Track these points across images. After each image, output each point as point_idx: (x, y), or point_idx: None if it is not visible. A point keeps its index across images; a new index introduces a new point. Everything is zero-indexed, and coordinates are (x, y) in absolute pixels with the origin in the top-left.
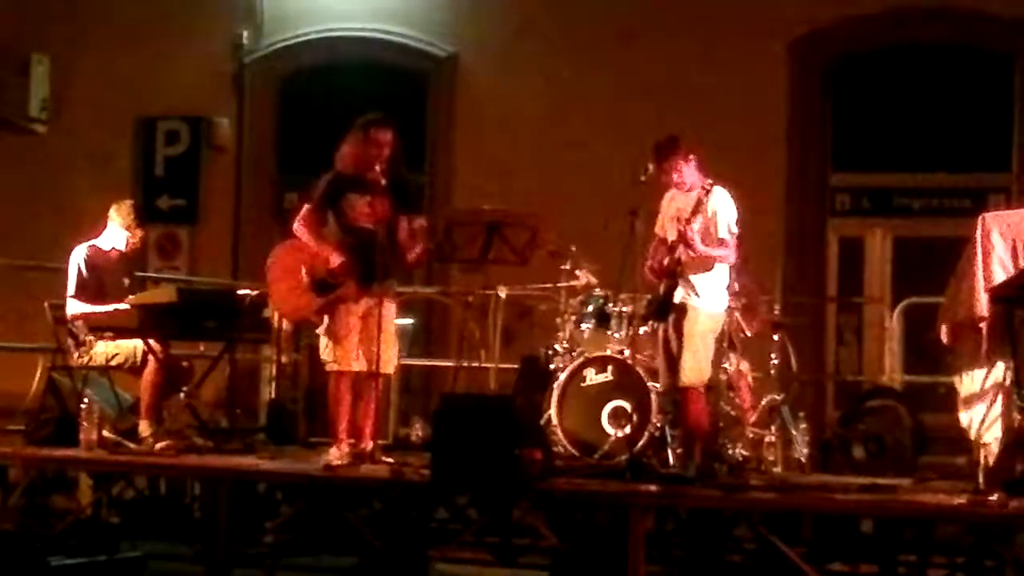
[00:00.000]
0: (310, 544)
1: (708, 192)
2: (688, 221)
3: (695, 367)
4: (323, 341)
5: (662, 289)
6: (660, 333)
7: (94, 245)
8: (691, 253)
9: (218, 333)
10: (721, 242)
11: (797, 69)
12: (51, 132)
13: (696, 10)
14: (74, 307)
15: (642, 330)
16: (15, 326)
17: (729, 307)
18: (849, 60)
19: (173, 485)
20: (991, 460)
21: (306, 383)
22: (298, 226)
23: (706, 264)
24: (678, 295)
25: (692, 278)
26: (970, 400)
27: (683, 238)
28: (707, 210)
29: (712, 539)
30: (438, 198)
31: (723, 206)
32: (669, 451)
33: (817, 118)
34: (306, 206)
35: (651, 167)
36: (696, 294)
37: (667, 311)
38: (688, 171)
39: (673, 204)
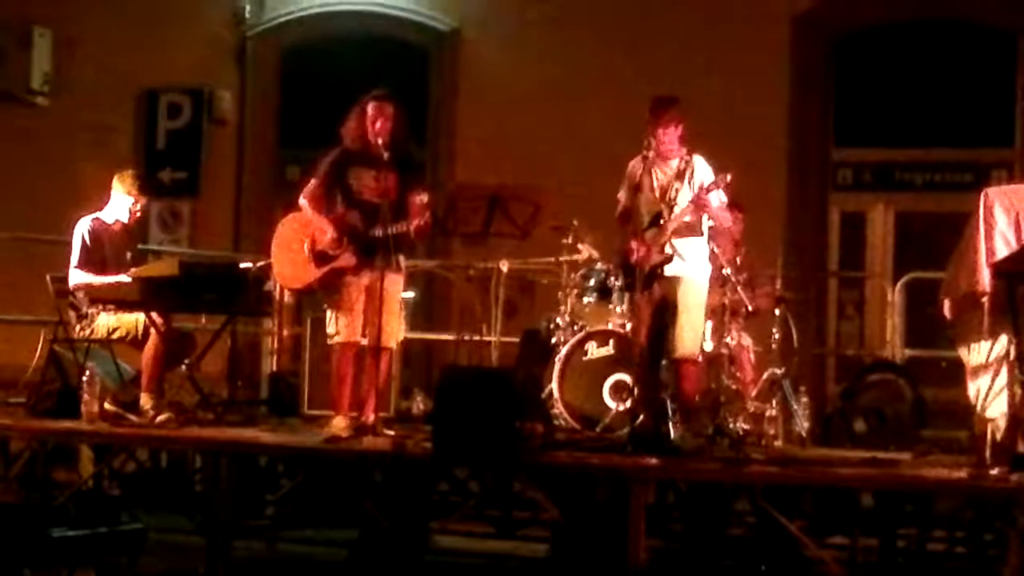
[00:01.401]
0: (311, 516)
1: (688, 161)
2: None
3: (693, 338)
4: (329, 314)
5: (643, 258)
6: (643, 303)
7: (98, 217)
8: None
9: (220, 306)
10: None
11: (800, 45)
12: (53, 105)
13: None
14: (77, 277)
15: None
16: (17, 299)
17: (731, 282)
18: (852, 36)
19: (174, 457)
20: (998, 435)
21: (307, 355)
22: (303, 199)
23: (695, 231)
24: (670, 269)
25: (681, 247)
26: (977, 372)
27: (697, 202)
28: (691, 179)
29: (712, 513)
30: (440, 172)
31: (707, 175)
32: (670, 424)
33: (819, 93)
34: (312, 181)
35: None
36: (687, 263)
37: (644, 283)
38: (674, 136)
39: (649, 173)
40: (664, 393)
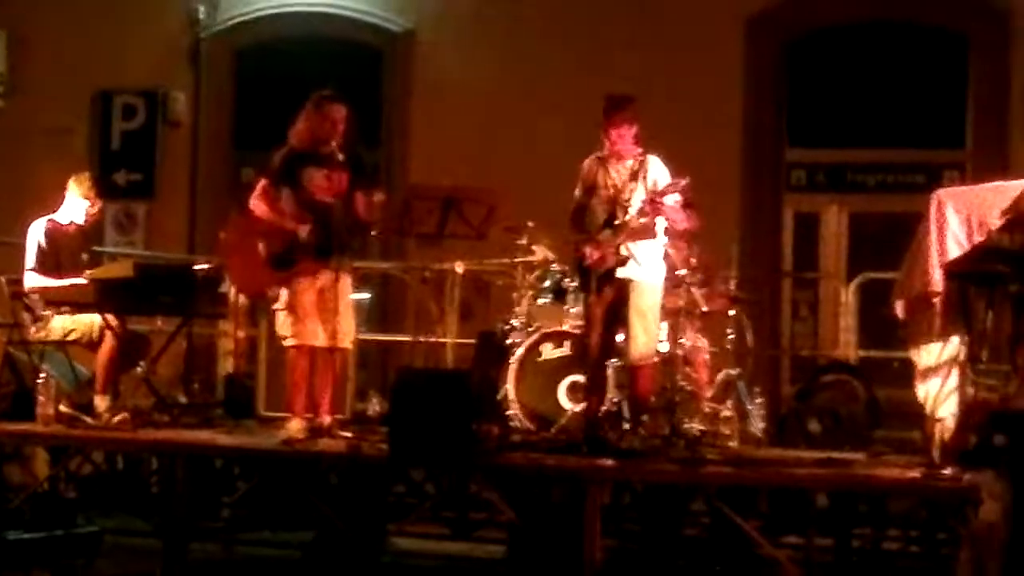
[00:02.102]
0: (267, 519)
1: (643, 161)
2: (627, 190)
3: (648, 342)
4: (280, 316)
5: (598, 261)
6: (594, 307)
7: (53, 219)
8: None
9: (175, 308)
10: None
11: (753, 45)
12: (7, 107)
13: None
14: (32, 280)
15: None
16: None
17: (686, 283)
18: (805, 37)
19: (130, 460)
20: (946, 435)
21: (263, 358)
22: (254, 201)
23: (650, 232)
24: (624, 271)
25: (635, 249)
26: (926, 374)
27: (652, 203)
28: (646, 178)
29: (668, 513)
30: (394, 174)
31: (662, 175)
32: (626, 426)
33: (773, 94)
34: (262, 181)
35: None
36: (641, 266)
37: (596, 284)
38: (628, 136)
39: (602, 173)
40: (619, 395)
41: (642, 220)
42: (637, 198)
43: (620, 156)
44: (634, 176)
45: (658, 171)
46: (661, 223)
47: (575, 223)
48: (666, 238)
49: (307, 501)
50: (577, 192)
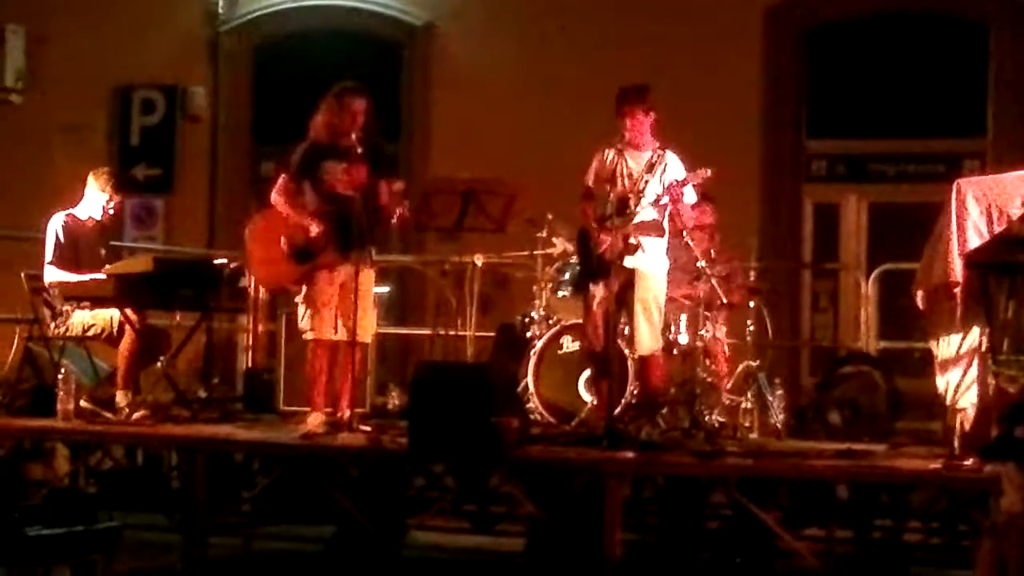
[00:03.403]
0: (287, 513)
1: (662, 155)
2: (642, 181)
3: (653, 333)
4: (301, 310)
5: (601, 249)
6: (598, 296)
7: (72, 214)
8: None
9: (194, 303)
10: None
11: (773, 37)
12: (27, 103)
13: None
14: (51, 275)
15: (561, 293)
16: None
17: (706, 275)
18: (824, 28)
19: (150, 455)
20: (967, 425)
21: (283, 352)
22: (275, 196)
23: (658, 229)
24: (630, 260)
25: (644, 240)
26: (946, 365)
27: (671, 191)
28: (663, 173)
29: (689, 506)
30: (413, 167)
31: (678, 171)
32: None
33: (793, 85)
34: (282, 175)
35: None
36: (647, 257)
37: (607, 272)
38: (645, 126)
39: (618, 162)
40: (633, 388)
41: (655, 212)
42: (651, 190)
43: (638, 147)
44: (651, 168)
45: (675, 167)
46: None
47: (584, 206)
48: (686, 230)
49: (327, 495)
50: (590, 180)
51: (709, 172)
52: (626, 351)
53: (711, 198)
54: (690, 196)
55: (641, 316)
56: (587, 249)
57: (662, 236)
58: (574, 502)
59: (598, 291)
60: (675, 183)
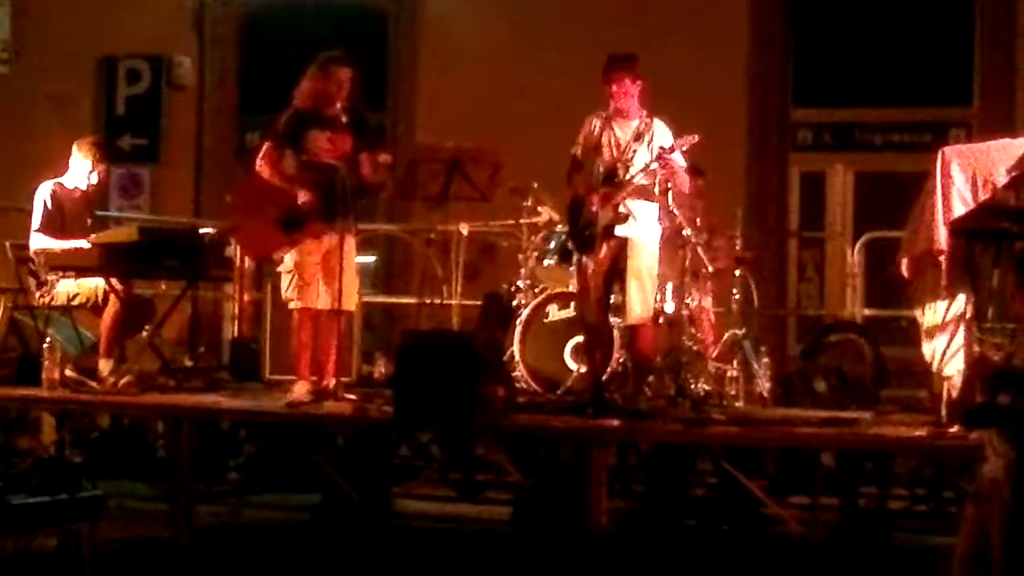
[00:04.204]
0: (273, 482)
1: (649, 123)
2: (630, 150)
3: (645, 302)
4: (285, 279)
5: (591, 217)
6: (590, 266)
7: (59, 182)
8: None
9: (180, 272)
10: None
11: (759, 5)
12: (12, 73)
13: None
14: (38, 241)
15: (546, 262)
16: None
17: (691, 243)
18: None
19: (136, 424)
20: (953, 393)
21: (268, 321)
22: (260, 164)
23: (649, 194)
24: (621, 228)
25: (633, 208)
26: (932, 332)
27: (661, 159)
28: (651, 141)
29: (675, 473)
30: (400, 136)
31: (667, 139)
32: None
33: (778, 53)
34: (266, 143)
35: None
36: (639, 226)
37: (597, 241)
38: (632, 94)
39: (606, 131)
40: (625, 356)
41: (645, 180)
42: (640, 158)
43: (625, 115)
44: (638, 137)
45: (663, 135)
46: (659, 184)
47: (571, 175)
48: (669, 199)
49: (313, 464)
50: (578, 150)
51: (696, 138)
52: (613, 319)
53: (701, 171)
54: (680, 161)
55: (634, 285)
56: (577, 219)
57: (653, 202)
58: (560, 470)
59: (590, 262)
60: (663, 149)
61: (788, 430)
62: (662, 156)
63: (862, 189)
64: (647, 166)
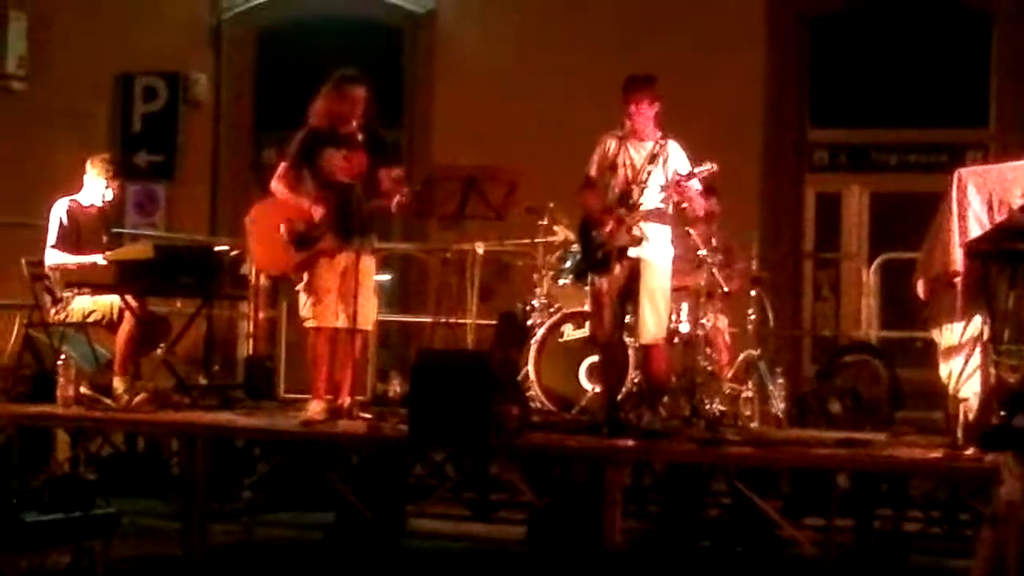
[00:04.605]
0: (287, 500)
1: (664, 145)
2: (644, 172)
3: (659, 322)
4: (302, 298)
5: (605, 239)
6: (604, 286)
7: (75, 199)
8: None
9: (195, 289)
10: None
11: (776, 25)
12: (29, 89)
13: None
14: (53, 257)
15: (562, 281)
16: None
17: (707, 263)
18: (828, 16)
19: (151, 442)
20: (970, 415)
21: (283, 339)
22: (275, 183)
23: (665, 217)
24: (635, 250)
25: (646, 230)
26: (948, 354)
27: (678, 186)
28: (666, 163)
29: (689, 494)
30: (415, 154)
31: (682, 161)
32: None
33: (795, 74)
34: (283, 163)
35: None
36: (652, 247)
37: (611, 262)
38: (649, 116)
39: (620, 152)
40: (640, 376)
41: (661, 204)
42: (654, 180)
43: (641, 137)
44: (653, 159)
45: (678, 157)
46: (674, 207)
47: (584, 195)
48: (684, 220)
49: (327, 483)
50: (592, 170)
51: (714, 167)
52: (628, 339)
53: (714, 189)
54: (696, 185)
55: (647, 306)
56: (589, 239)
57: (667, 224)
58: (574, 490)
59: (604, 283)
60: (681, 176)
61: (803, 451)
62: (679, 183)
63: (878, 210)
64: (662, 189)
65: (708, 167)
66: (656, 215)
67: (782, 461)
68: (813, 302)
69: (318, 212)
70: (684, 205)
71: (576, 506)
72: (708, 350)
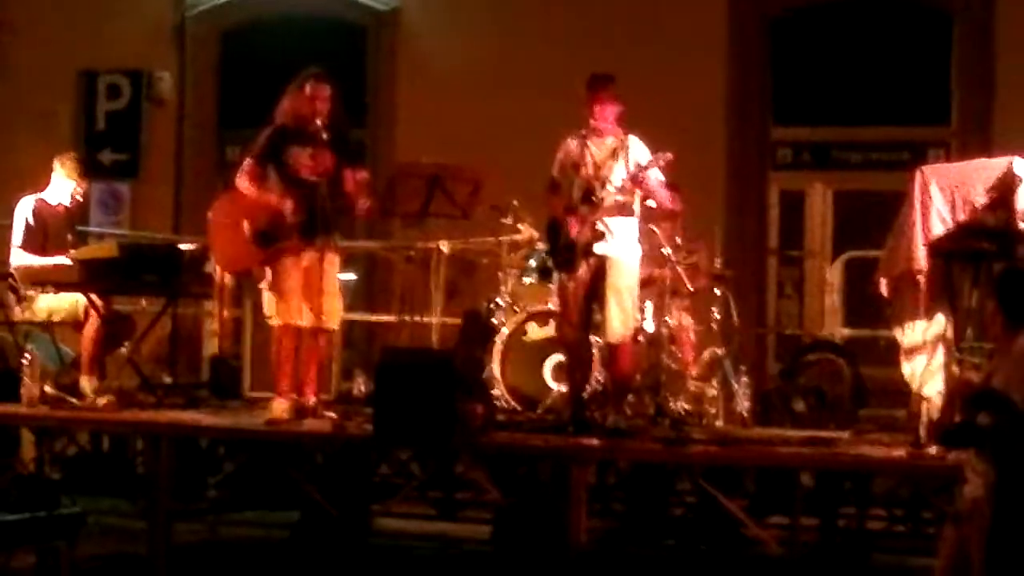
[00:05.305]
0: (253, 499)
1: (624, 140)
2: (606, 167)
3: (625, 321)
4: (266, 296)
5: (573, 237)
6: (571, 285)
7: (41, 198)
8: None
9: (160, 288)
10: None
11: (738, 23)
12: None
13: None
14: (18, 257)
15: (527, 280)
16: None
17: (671, 261)
18: (789, 14)
19: (116, 441)
20: (933, 413)
21: (248, 338)
22: (240, 180)
23: (628, 210)
24: (600, 247)
25: (612, 226)
26: (911, 352)
27: (635, 179)
28: (627, 157)
29: (654, 493)
30: (379, 153)
31: (643, 154)
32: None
33: (757, 71)
34: (247, 160)
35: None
36: (618, 244)
37: (577, 260)
38: (610, 113)
39: (582, 150)
40: (604, 375)
41: (621, 197)
42: (616, 176)
43: (601, 134)
44: (614, 154)
45: (639, 151)
46: (638, 201)
47: (550, 196)
48: (648, 217)
49: (292, 482)
50: (555, 170)
51: (670, 156)
52: (593, 338)
53: (676, 186)
54: (659, 176)
55: (613, 303)
56: (556, 239)
57: (632, 216)
58: (539, 489)
59: (571, 282)
60: (638, 167)
61: (767, 450)
62: (637, 175)
63: (841, 208)
64: (623, 184)
65: (664, 156)
66: (621, 209)
67: (747, 460)
68: (777, 300)
69: (287, 205)
70: (650, 201)
71: (541, 505)
72: (673, 348)
